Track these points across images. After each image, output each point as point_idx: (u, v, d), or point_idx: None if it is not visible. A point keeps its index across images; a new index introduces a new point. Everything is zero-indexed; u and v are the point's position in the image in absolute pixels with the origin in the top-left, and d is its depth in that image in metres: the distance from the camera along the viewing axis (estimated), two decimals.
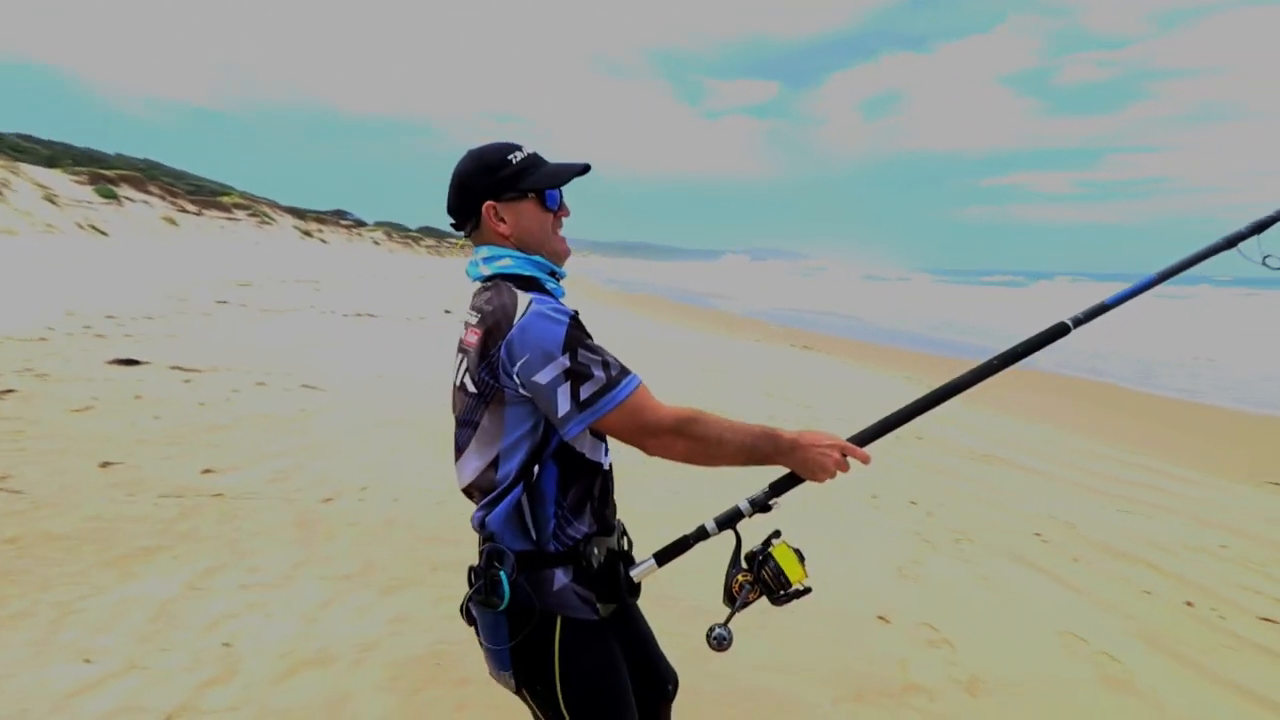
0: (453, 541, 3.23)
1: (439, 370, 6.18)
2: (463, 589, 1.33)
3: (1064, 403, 8.33)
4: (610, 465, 1.36)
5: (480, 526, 1.28)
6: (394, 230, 61.08)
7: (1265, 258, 1.45)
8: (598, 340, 1.25)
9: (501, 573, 1.22)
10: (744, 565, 1.29)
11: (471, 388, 1.25)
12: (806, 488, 1.32)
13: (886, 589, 3.21)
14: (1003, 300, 34.77)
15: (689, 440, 1.23)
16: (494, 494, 1.25)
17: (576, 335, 1.20)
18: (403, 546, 3.21)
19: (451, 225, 1.37)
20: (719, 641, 1.25)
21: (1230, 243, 1.45)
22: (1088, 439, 6.22)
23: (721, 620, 1.26)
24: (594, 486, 1.30)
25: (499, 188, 1.30)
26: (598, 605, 1.28)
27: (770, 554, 1.27)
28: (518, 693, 1.30)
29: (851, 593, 3.12)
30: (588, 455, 1.29)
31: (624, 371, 1.22)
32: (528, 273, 1.30)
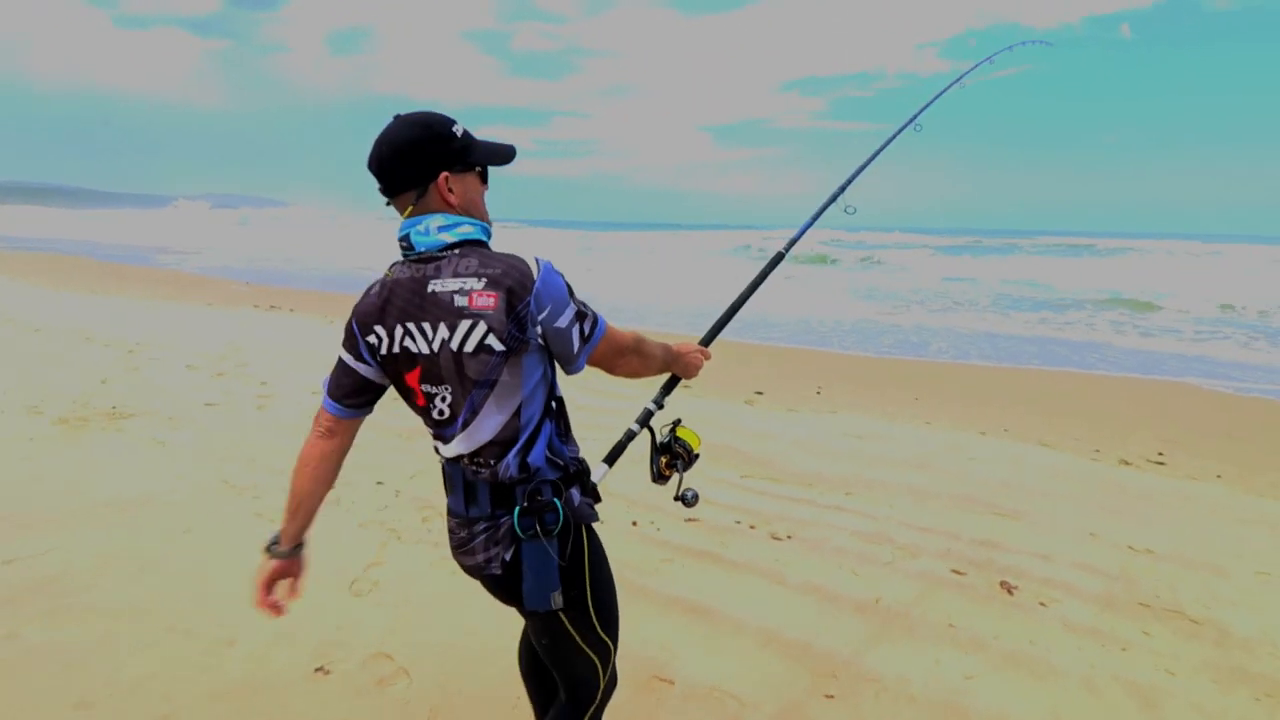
0: None
1: None
2: None
3: None
4: None
5: (521, 470, 1.39)
6: None
7: (846, 207, 2.23)
8: None
9: (555, 500, 1.40)
10: (661, 450, 1.66)
11: (498, 345, 1.33)
12: None
13: (331, 620, 2.76)
14: None
15: (639, 357, 1.57)
16: (524, 438, 1.39)
17: (569, 287, 1.40)
18: None
19: (381, 191, 1.40)
20: (695, 497, 1.67)
21: (833, 198, 2.23)
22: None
23: (677, 491, 1.66)
24: (567, 412, 1.51)
25: (453, 158, 1.38)
26: (595, 509, 1.51)
27: (678, 435, 1.67)
28: (547, 622, 1.46)
29: (281, 639, 2.57)
30: (573, 371, 1.47)
31: (598, 313, 1.47)
32: (485, 238, 1.43)
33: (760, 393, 6.73)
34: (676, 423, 1.70)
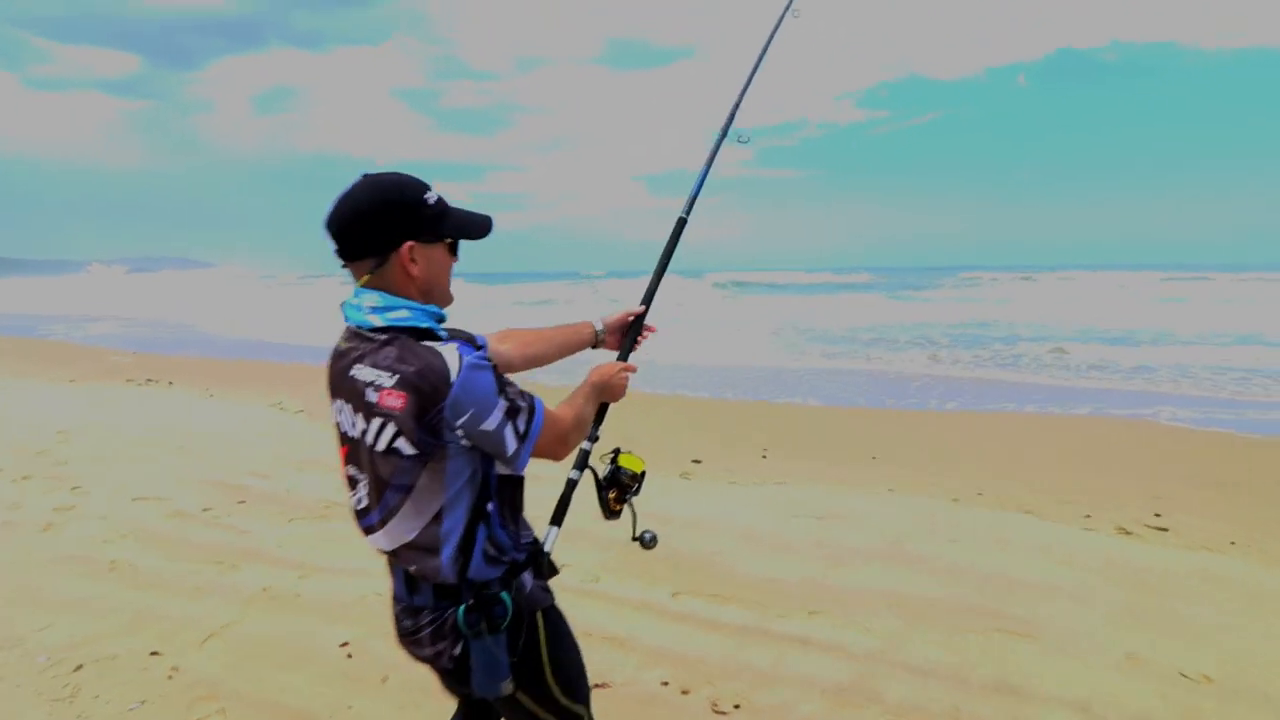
0: None
1: None
2: None
3: None
4: None
5: (459, 578, 1.31)
6: None
7: (740, 136, 1.92)
8: None
9: (503, 594, 1.33)
10: (606, 485, 1.59)
11: (409, 449, 1.25)
12: None
13: None
14: None
15: (578, 430, 1.48)
16: (452, 545, 1.29)
17: (498, 375, 1.29)
18: None
19: (337, 254, 1.31)
20: (653, 540, 1.64)
21: (725, 133, 1.91)
22: None
23: (633, 531, 1.63)
24: (521, 493, 1.43)
25: (421, 228, 1.29)
26: (549, 589, 1.45)
27: (619, 465, 1.60)
28: (507, 700, 1.40)
29: None
30: (514, 472, 1.36)
31: (528, 393, 1.34)
32: (423, 324, 1.29)
33: (698, 461, 5.74)
34: (616, 452, 1.62)
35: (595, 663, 2.78)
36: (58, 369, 11.11)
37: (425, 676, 1.58)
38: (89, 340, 17.20)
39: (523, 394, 1.32)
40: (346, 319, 1.31)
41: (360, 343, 1.29)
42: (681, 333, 15.20)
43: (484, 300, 30.45)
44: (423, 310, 1.30)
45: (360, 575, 3.47)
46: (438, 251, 1.32)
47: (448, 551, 1.28)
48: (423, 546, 1.29)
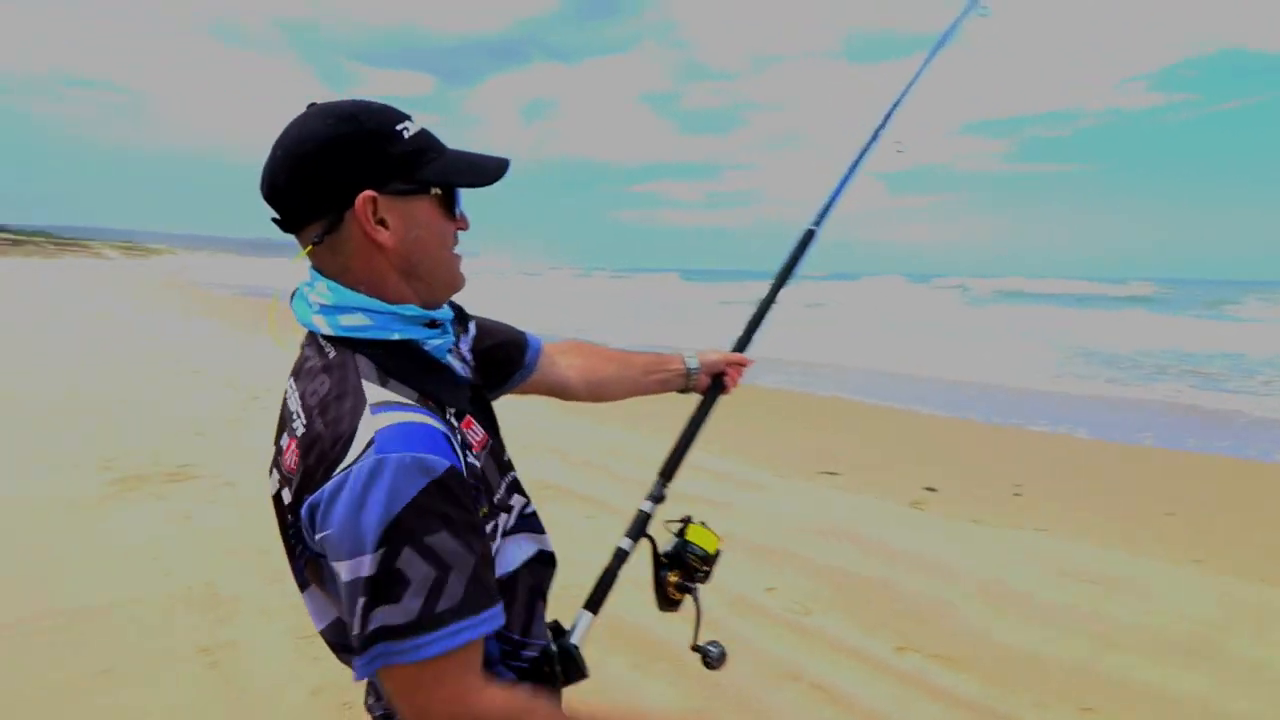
0: None
1: None
2: None
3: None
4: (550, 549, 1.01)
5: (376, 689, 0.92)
6: None
7: (897, 146, 1.59)
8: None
9: None
10: (668, 563, 1.18)
11: (288, 535, 0.82)
12: None
13: None
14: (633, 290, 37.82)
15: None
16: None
17: (420, 516, 0.72)
18: None
19: (276, 222, 0.86)
20: (720, 657, 1.15)
21: (875, 136, 1.57)
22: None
23: (693, 636, 1.15)
24: (538, 592, 0.98)
25: (385, 172, 0.82)
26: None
27: (686, 539, 1.18)
28: None
29: None
30: (515, 564, 0.93)
31: (461, 610, 0.73)
32: (393, 336, 0.84)
33: (931, 489, 5.07)
34: (686, 522, 1.20)
35: (801, 715, 2.45)
36: None
37: None
38: None
39: (441, 587, 0.72)
40: (298, 318, 0.89)
41: (312, 351, 0.87)
42: (914, 341, 13.93)
43: (681, 298, 30.64)
44: (394, 316, 0.85)
45: None
46: (421, 208, 0.86)
47: (361, 660, 0.76)
48: (331, 642, 0.89)
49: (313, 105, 0.86)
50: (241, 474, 4.77)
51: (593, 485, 4.82)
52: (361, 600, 0.72)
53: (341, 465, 0.73)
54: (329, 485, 0.73)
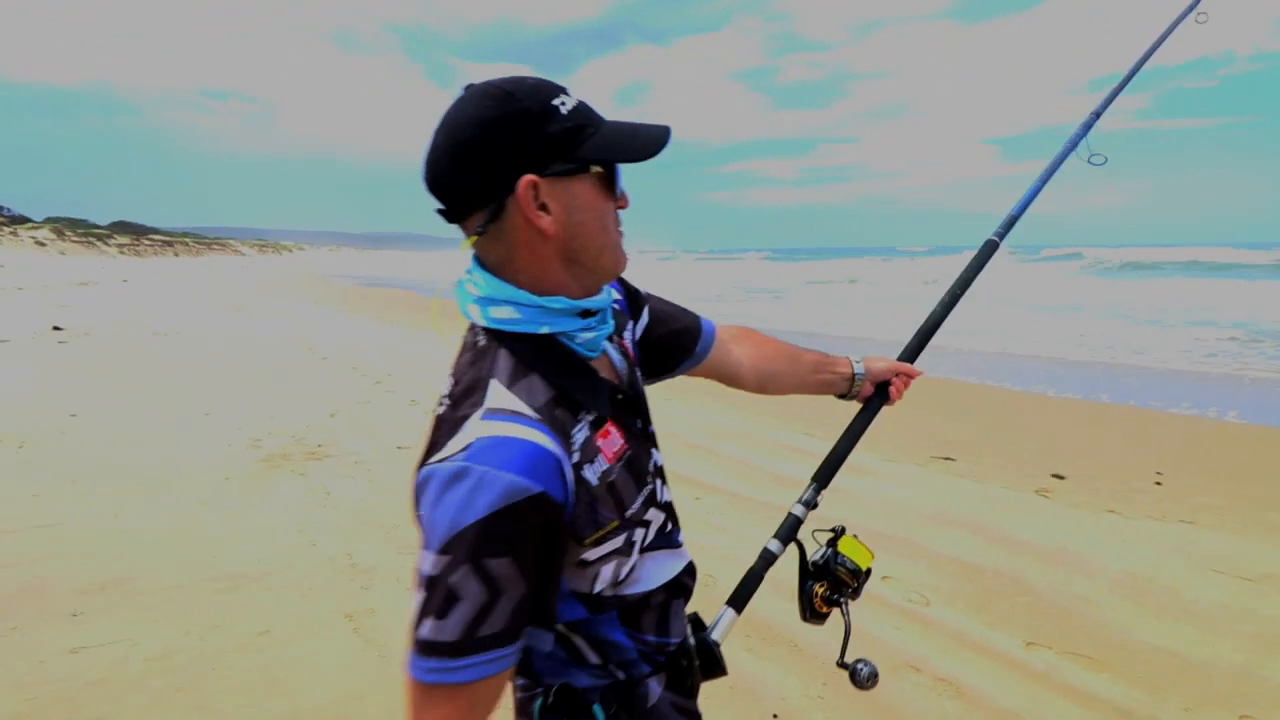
0: None
1: None
2: None
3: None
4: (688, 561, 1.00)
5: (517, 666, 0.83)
6: (71, 226, 50.49)
7: (1091, 156, 1.54)
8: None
9: (595, 706, 0.88)
10: (815, 574, 1.16)
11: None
12: None
13: None
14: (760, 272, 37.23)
15: None
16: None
17: (485, 536, 0.70)
18: None
19: (441, 213, 0.83)
20: (870, 677, 1.13)
21: (1073, 144, 1.53)
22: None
23: (839, 653, 1.14)
24: (679, 590, 0.96)
25: (547, 153, 0.78)
26: (695, 711, 0.98)
27: (840, 552, 1.16)
28: None
29: None
30: (654, 584, 0.92)
31: (490, 641, 0.72)
32: (541, 330, 0.82)
33: (1060, 476, 4.76)
34: (838, 533, 1.19)
35: (926, 710, 2.40)
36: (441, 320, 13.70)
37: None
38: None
39: (481, 614, 0.71)
40: (459, 306, 0.90)
41: (470, 338, 0.88)
42: (1040, 319, 13.06)
43: (764, 278, 29.67)
44: (543, 310, 0.83)
45: None
46: (582, 188, 0.82)
47: (409, 655, 0.81)
48: None
49: (469, 86, 0.82)
50: (370, 454, 5.12)
51: (697, 467, 4.85)
52: (420, 595, 0.73)
53: (437, 457, 0.75)
54: (424, 472, 0.75)
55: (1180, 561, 3.44)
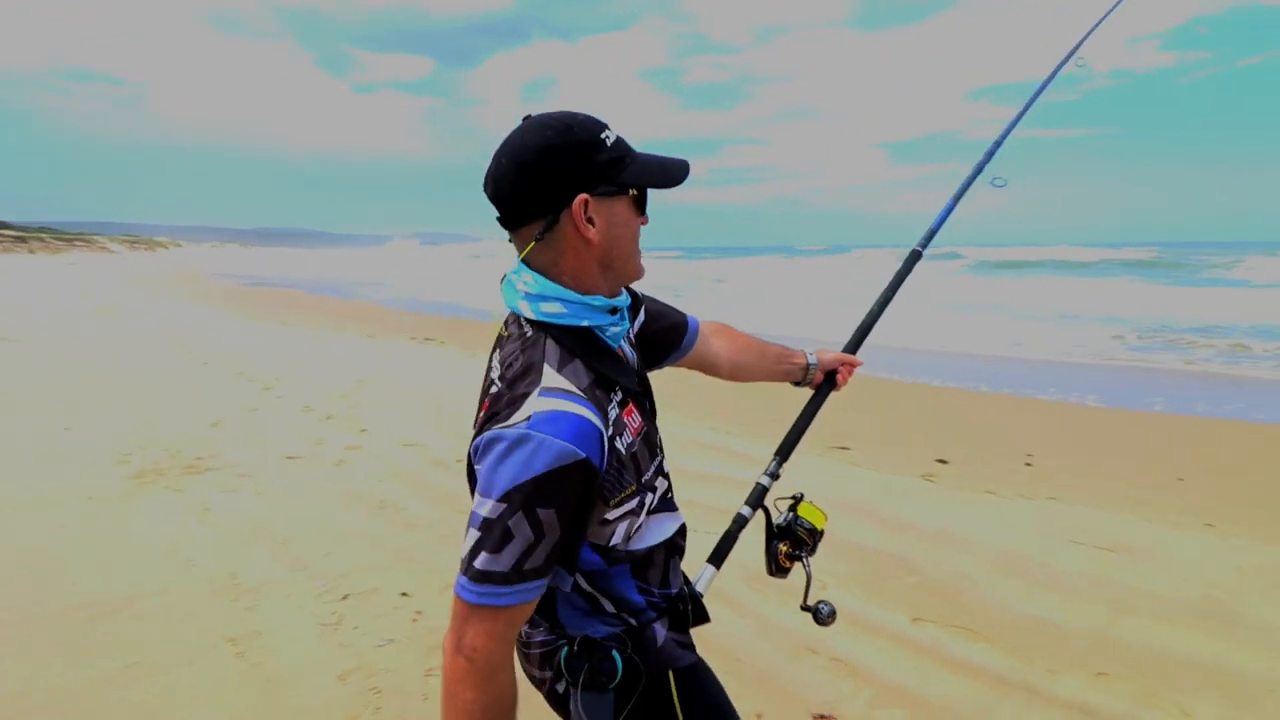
0: None
1: None
2: None
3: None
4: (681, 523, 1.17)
5: (545, 615, 1.09)
6: None
7: (994, 179, 1.76)
8: None
9: (613, 652, 1.06)
10: (779, 535, 1.33)
11: (470, 473, 0.99)
12: None
13: None
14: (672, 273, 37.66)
15: (477, 694, 0.91)
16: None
17: (539, 490, 0.87)
18: None
19: (499, 220, 1.02)
20: (830, 615, 1.31)
21: (978, 170, 1.76)
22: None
23: (804, 597, 1.30)
24: (675, 549, 1.15)
25: (596, 176, 0.98)
26: (690, 644, 1.17)
27: (799, 515, 1.34)
28: None
29: None
30: (656, 540, 1.09)
31: (530, 574, 0.90)
32: (583, 323, 1.00)
33: (944, 461, 5.07)
34: (798, 499, 1.37)
35: (821, 688, 2.49)
36: (361, 325, 13.15)
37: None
38: (383, 302, 20.22)
39: (529, 554, 0.89)
40: (505, 301, 1.06)
41: (515, 329, 1.05)
42: (924, 314, 13.87)
43: (678, 277, 30.52)
44: (585, 305, 1.01)
45: None
46: (619, 207, 1.01)
47: (462, 580, 0.98)
48: None
49: (528, 118, 1.00)
50: (257, 465, 4.81)
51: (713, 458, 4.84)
52: (475, 534, 0.90)
53: (502, 424, 0.91)
54: (488, 434, 0.91)
55: (1048, 536, 3.74)
